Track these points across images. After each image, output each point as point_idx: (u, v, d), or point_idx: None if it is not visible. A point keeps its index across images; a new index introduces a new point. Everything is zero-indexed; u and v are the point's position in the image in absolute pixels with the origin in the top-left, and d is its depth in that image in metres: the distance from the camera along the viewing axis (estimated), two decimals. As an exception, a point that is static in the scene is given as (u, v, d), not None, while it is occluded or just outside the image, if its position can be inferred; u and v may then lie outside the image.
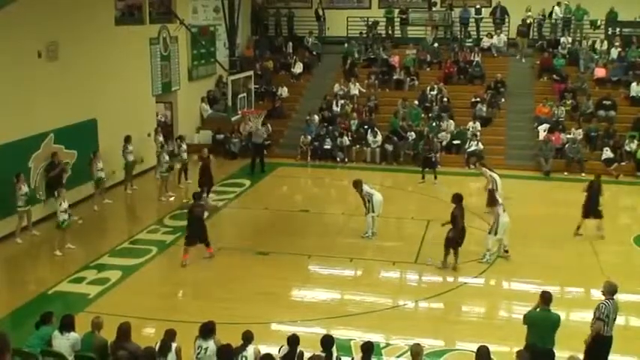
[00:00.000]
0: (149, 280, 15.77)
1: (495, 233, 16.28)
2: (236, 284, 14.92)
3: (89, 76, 20.81)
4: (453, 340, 12.62)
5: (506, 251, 16.65)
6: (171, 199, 21.54)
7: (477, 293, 14.85)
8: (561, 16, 31.11)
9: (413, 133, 26.28)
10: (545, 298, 10.94)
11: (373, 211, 17.86)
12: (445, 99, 28.14)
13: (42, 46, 18.92)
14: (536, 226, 18.92)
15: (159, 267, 16.58)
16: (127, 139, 21.65)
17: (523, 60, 30.53)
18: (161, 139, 23.59)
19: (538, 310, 10.94)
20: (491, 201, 17.90)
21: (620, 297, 14.50)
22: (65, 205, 16.91)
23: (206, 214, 16.87)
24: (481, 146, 25.51)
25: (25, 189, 17.47)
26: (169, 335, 9.97)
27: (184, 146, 23.05)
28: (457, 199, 15.96)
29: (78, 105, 20.31)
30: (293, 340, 9.94)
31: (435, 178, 23.45)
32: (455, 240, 15.82)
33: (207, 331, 10.10)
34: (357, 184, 17.96)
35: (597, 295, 14.71)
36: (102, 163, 20.36)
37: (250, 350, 9.79)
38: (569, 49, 30.11)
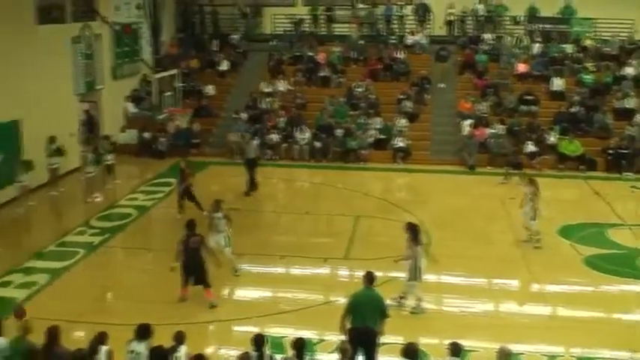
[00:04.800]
0: (77, 282, 15.52)
1: None
2: (167, 284, 14.80)
3: (11, 76, 20.34)
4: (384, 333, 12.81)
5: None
6: (97, 200, 21.23)
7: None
8: (482, 13, 31.80)
9: (341, 129, 26.47)
10: (369, 278, 11.47)
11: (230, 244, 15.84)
12: (372, 96, 28.41)
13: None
14: (461, 219, 19.36)
15: (87, 269, 16.32)
16: (52, 140, 21.26)
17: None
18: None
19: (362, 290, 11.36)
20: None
21: (545, 288, 15.07)
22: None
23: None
24: (407, 142, 25.87)
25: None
26: (99, 337, 9.83)
27: (110, 146, 22.74)
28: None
29: (0, 106, 19.85)
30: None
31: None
32: None
33: (143, 332, 9.94)
34: (219, 205, 15.91)
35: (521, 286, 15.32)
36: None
37: (182, 350, 9.78)
38: (491, 45, 30.77)
